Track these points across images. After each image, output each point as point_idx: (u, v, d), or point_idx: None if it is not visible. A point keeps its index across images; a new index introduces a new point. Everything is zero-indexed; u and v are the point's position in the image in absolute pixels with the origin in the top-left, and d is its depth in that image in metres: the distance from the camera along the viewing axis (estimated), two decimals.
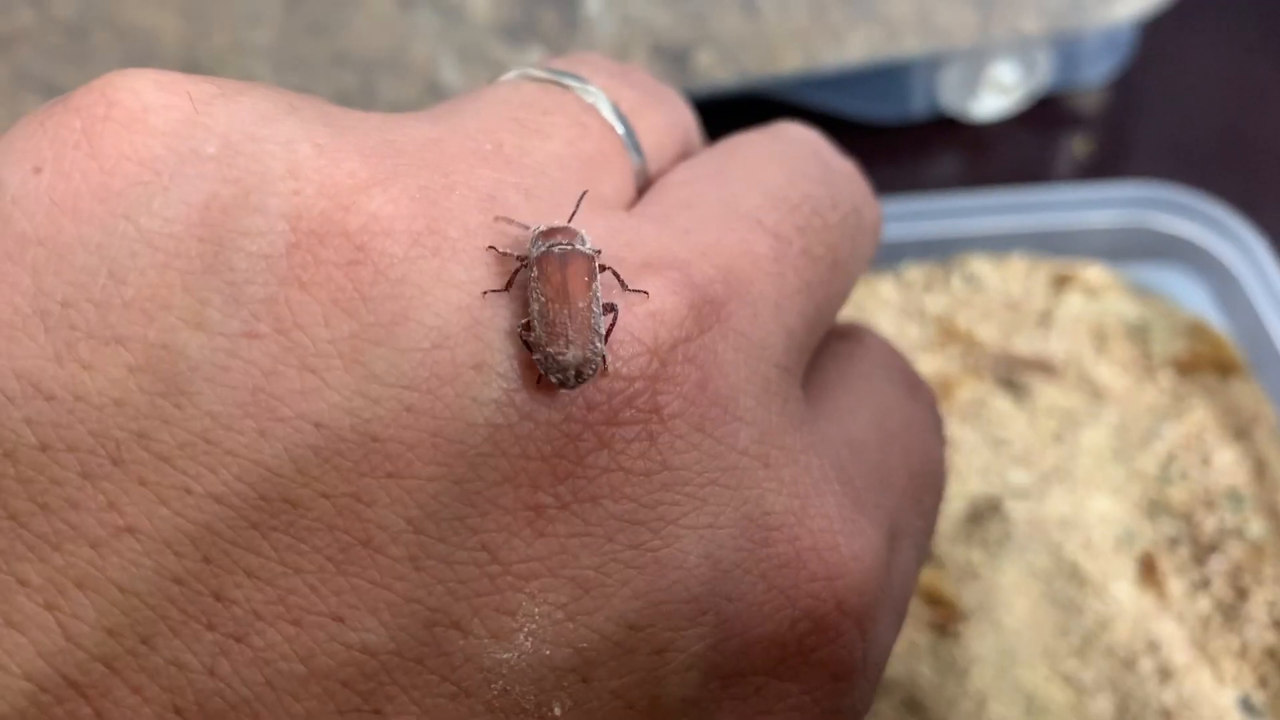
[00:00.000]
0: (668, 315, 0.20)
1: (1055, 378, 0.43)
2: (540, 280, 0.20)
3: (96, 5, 0.49)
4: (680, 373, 0.20)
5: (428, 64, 0.46)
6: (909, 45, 0.48)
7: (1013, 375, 0.43)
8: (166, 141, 0.20)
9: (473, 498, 0.19)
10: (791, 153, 0.25)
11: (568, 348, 0.19)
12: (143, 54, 0.49)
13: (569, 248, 0.20)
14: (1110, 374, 0.43)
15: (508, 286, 0.20)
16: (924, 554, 0.25)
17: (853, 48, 0.48)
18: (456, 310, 0.19)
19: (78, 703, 0.18)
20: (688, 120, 0.26)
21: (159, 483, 0.18)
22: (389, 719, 0.19)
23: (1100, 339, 0.44)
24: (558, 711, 0.19)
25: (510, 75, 0.25)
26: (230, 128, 0.20)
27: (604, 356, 0.20)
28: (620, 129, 0.24)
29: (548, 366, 0.19)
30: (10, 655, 0.18)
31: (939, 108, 0.52)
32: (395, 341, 0.19)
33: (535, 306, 0.20)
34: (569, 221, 0.21)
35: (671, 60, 0.47)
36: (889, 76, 0.51)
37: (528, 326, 0.20)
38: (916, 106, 0.52)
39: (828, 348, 0.26)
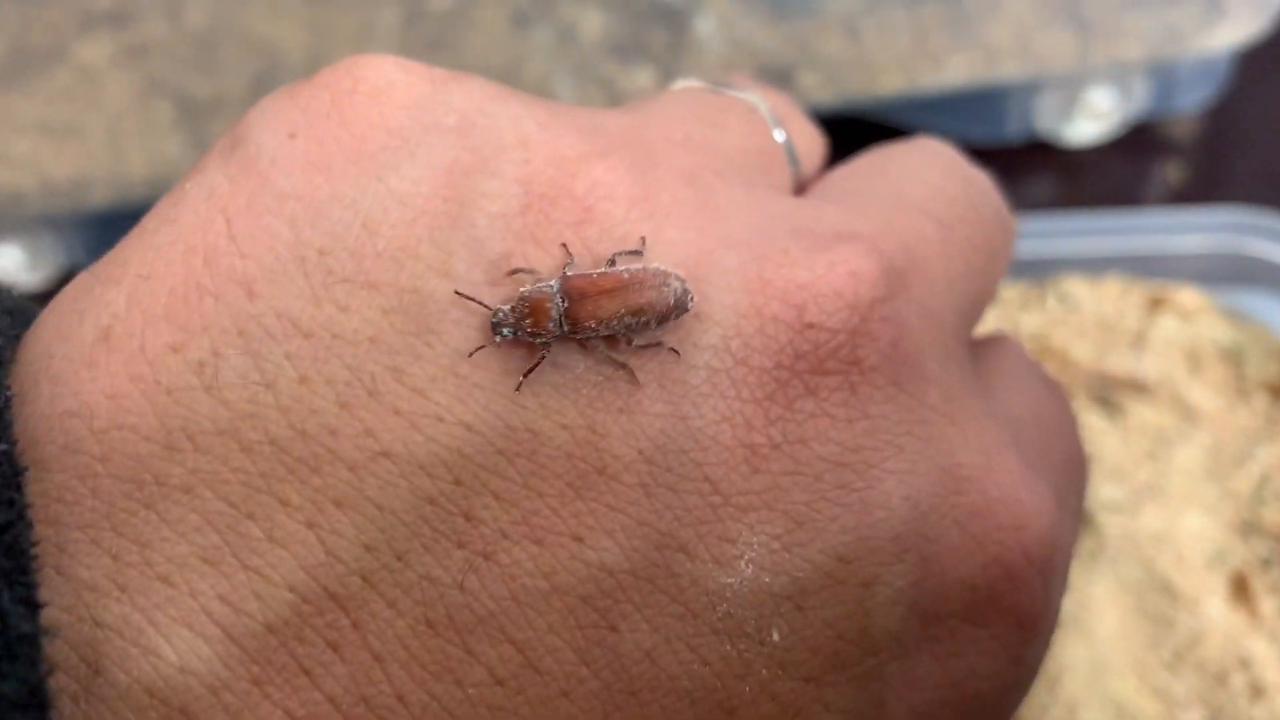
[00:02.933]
0: (864, 275, 0.22)
1: (1148, 397, 0.44)
2: (598, 315, 0.22)
3: (226, 18, 0.51)
4: (877, 329, 0.22)
5: (542, 81, 0.48)
6: (1008, 70, 0.49)
7: (1106, 393, 0.44)
8: (410, 113, 0.22)
9: (695, 434, 0.21)
10: (938, 157, 0.27)
11: (670, 283, 0.21)
12: (269, 65, 0.51)
13: (557, 290, 0.22)
14: (1203, 395, 0.43)
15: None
16: (1075, 534, 0.26)
17: (952, 72, 0.49)
18: (674, 265, 0.21)
19: (337, 614, 0.19)
20: (822, 140, 0.28)
21: (413, 411, 0.20)
22: (624, 635, 0.20)
23: (1194, 361, 0.44)
24: (775, 637, 0.21)
25: (677, 85, 0.27)
26: (466, 104, 0.22)
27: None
28: (780, 136, 0.26)
29: (683, 308, 0.21)
30: (274, 568, 0.19)
31: (1034, 131, 0.53)
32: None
33: (625, 320, 0.21)
34: (724, 209, 0.23)
35: (776, 80, 0.48)
36: (986, 100, 0.52)
37: (643, 333, 0.22)
38: (1012, 129, 0.53)
39: (976, 342, 0.27)
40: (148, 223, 0.22)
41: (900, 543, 0.21)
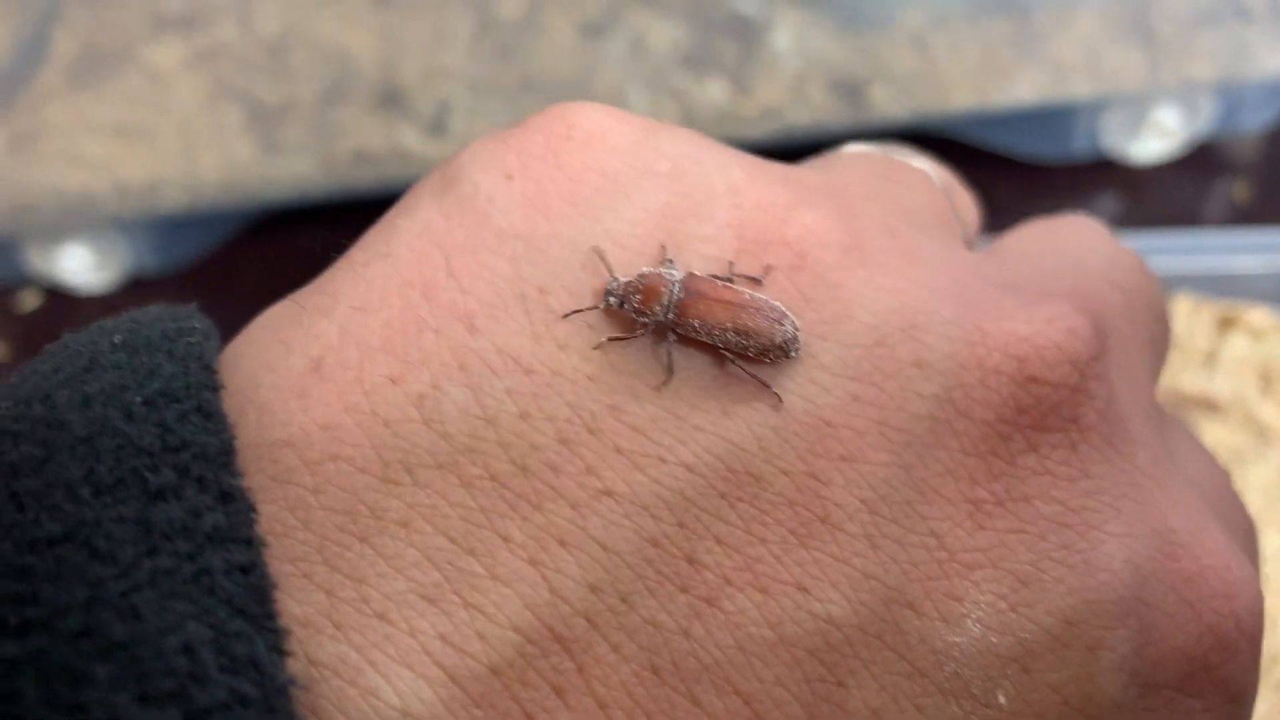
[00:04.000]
0: (1081, 332, 0.22)
1: (1220, 416, 0.44)
2: (706, 320, 0.21)
3: (297, 24, 0.52)
4: (1094, 387, 0.22)
5: (614, 91, 0.48)
6: (1077, 88, 0.49)
7: (1178, 412, 0.44)
8: (624, 159, 0.22)
9: (919, 485, 0.20)
10: (1100, 231, 0.27)
11: (784, 324, 0.21)
12: (340, 72, 0.51)
13: (678, 282, 0.22)
14: (1276, 415, 0.43)
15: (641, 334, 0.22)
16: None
17: (1022, 88, 0.49)
18: (890, 312, 0.21)
19: (561, 656, 0.19)
20: (978, 211, 0.28)
21: (634, 450, 0.20)
22: (851, 692, 0.20)
23: (1266, 380, 0.44)
24: (1002, 700, 0.20)
25: (849, 149, 0.27)
26: (675, 151, 0.22)
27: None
28: (946, 202, 0.26)
29: (785, 352, 0.21)
30: (498, 607, 0.19)
31: (1100, 148, 0.53)
32: (840, 337, 0.21)
33: (729, 335, 0.21)
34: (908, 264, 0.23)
35: (847, 94, 0.49)
36: (1053, 116, 0.52)
37: (738, 355, 0.21)
38: (1078, 146, 0.53)
39: None
40: (356, 255, 0.22)
41: (1122, 606, 0.21)
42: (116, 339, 0.20)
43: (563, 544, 0.19)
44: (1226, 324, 0.46)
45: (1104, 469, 0.21)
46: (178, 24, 0.52)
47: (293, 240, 0.54)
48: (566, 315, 0.20)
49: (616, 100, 0.48)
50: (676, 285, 0.21)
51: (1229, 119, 0.53)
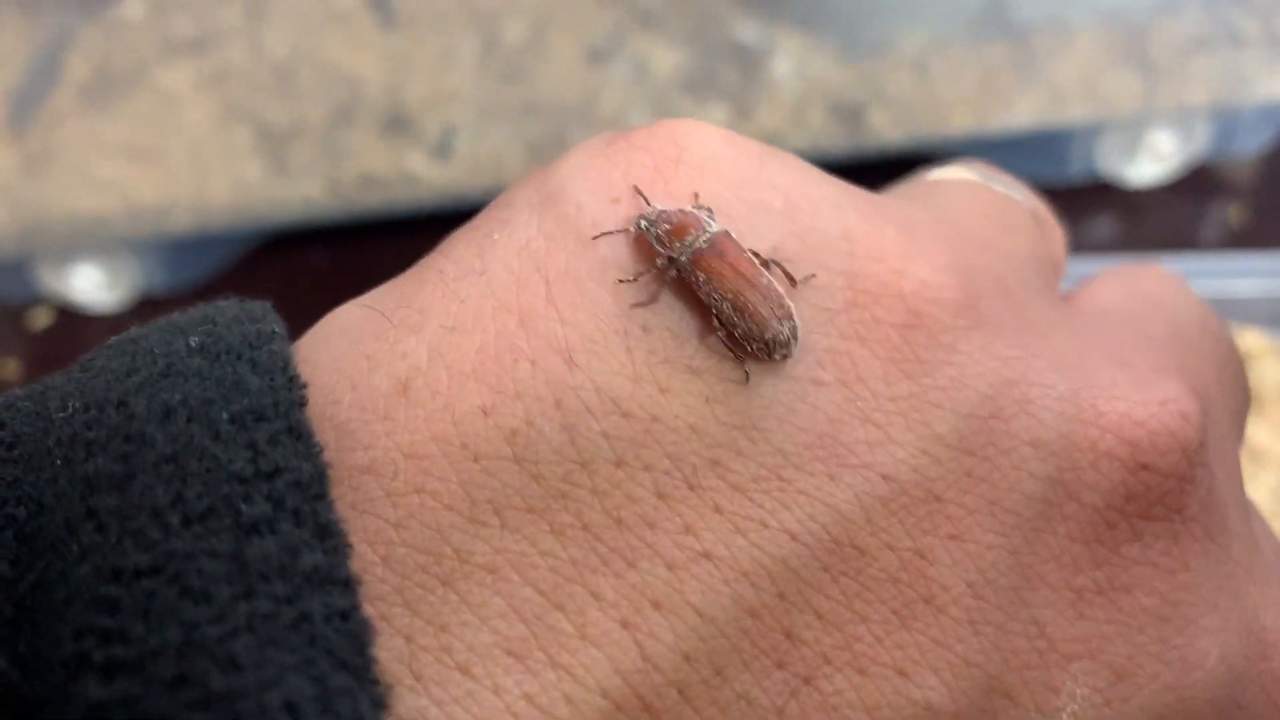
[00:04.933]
0: (1191, 417, 0.21)
1: None
2: (712, 279, 0.20)
3: (306, 47, 0.53)
4: (1199, 476, 0.21)
5: (617, 115, 0.49)
6: (1074, 113, 0.50)
7: None
8: (737, 191, 0.21)
9: (1025, 570, 0.19)
10: (1186, 290, 0.26)
11: (781, 324, 0.20)
12: (347, 96, 0.52)
13: (710, 235, 0.21)
14: (1269, 437, 0.44)
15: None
16: None
17: (1020, 113, 0.50)
18: (1006, 383, 0.20)
19: None
20: (1066, 241, 0.27)
21: (735, 512, 0.18)
22: None
23: (1257, 403, 0.45)
24: None
25: (949, 172, 0.26)
26: (789, 185, 0.21)
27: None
28: (1046, 247, 0.25)
29: (769, 350, 0.20)
30: (586, 669, 0.18)
31: (1096, 172, 0.54)
32: (955, 406, 0.20)
33: (724, 305, 0.20)
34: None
35: (847, 118, 0.49)
36: (1049, 139, 0.53)
37: (727, 332, 0.20)
38: (1074, 169, 0.54)
39: None
40: (446, 268, 0.20)
41: (1216, 706, 0.20)
42: (193, 341, 0.19)
43: (657, 606, 0.18)
44: None
45: (1202, 562, 0.21)
46: (188, 47, 0.53)
47: (301, 260, 0.55)
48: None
49: (620, 123, 0.49)
50: (706, 235, 0.20)
51: (1224, 142, 0.54)
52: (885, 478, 0.19)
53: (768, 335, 0.20)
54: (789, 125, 0.49)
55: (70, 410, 0.18)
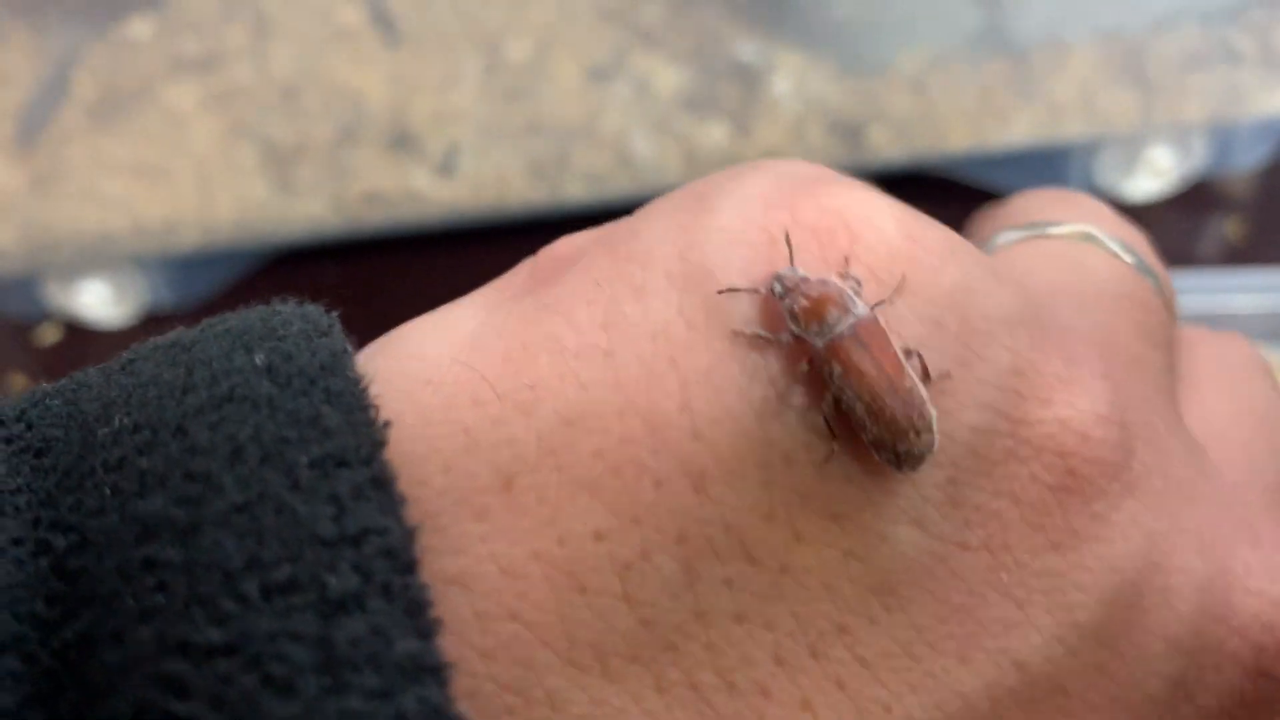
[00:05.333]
0: None
1: None
2: (850, 374, 0.17)
3: (311, 67, 0.53)
4: None
5: (619, 135, 0.49)
6: (1072, 130, 0.51)
7: None
8: (909, 300, 0.18)
9: None
10: (1267, 381, 0.25)
11: (919, 436, 0.17)
12: (352, 114, 0.53)
13: (854, 319, 0.18)
14: None
15: (824, 401, 0.17)
16: None
17: (1018, 129, 0.50)
18: (1152, 568, 0.18)
19: None
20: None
21: (858, 691, 0.16)
22: None
23: None
24: None
25: (1064, 231, 0.23)
26: (966, 299, 0.18)
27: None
28: (1153, 284, 0.23)
29: (898, 463, 0.17)
30: None
31: (1095, 187, 0.54)
32: (1100, 592, 0.18)
33: (857, 406, 0.17)
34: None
35: (846, 136, 0.50)
36: (1047, 155, 0.53)
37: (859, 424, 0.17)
38: (1073, 185, 0.54)
39: None
40: (566, 337, 0.17)
41: None
42: (259, 359, 0.16)
43: None
44: None
45: None
46: (195, 66, 0.54)
47: (307, 276, 0.55)
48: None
49: (622, 142, 0.50)
50: (850, 319, 0.17)
51: (1222, 158, 0.54)
52: (1017, 665, 0.17)
53: (901, 448, 0.17)
54: (789, 143, 0.49)
55: (117, 425, 0.16)
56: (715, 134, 0.49)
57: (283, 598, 0.14)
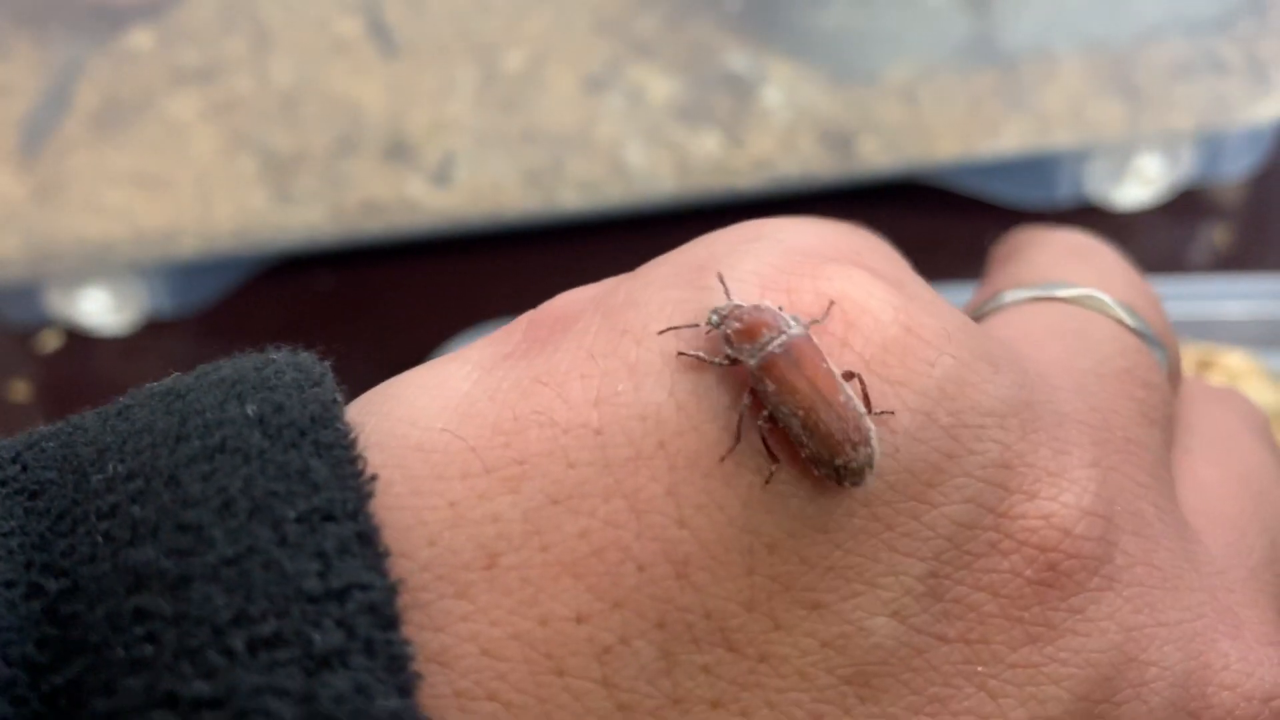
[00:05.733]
0: None
1: None
2: (783, 391, 0.18)
3: (310, 77, 0.54)
4: None
5: (613, 144, 0.50)
6: (1060, 138, 0.51)
7: None
8: (900, 391, 0.18)
9: None
10: (1267, 457, 0.24)
11: (856, 450, 0.17)
12: (350, 124, 0.53)
13: (786, 338, 0.18)
14: None
15: (740, 427, 0.17)
16: None
17: (1007, 138, 0.51)
18: (1126, 661, 0.18)
19: None
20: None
21: None
22: None
23: None
24: None
25: (1071, 293, 0.23)
26: (957, 390, 0.18)
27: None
28: (1160, 357, 0.22)
29: (838, 478, 0.17)
30: None
31: (1084, 195, 0.55)
32: (1072, 686, 0.18)
33: (793, 422, 0.18)
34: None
35: (837, 145, 0.50)
36: (1037, 164, 0.54)
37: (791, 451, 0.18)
38: (1062, 193, 0.55)
39: None
40: (557, 411, 0.17)
41: None
42: (250, 410, 0.16)
43: None
44: (1204, 366, 0.47)
45: None
46: (195, 77, 0.55)
47: (306, 283, 0.56)
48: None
49: (615, 151, 0.50)
50: (781, 338, 0.18)
51: (1210, 166, 0.55)
52: None
53: (838, 461, 0.17)
54: (780, 152, 0.50)
55: (111, 472, 0.16)
56: (708, 143, 0.50)
57: (268, 652, 0.14)
